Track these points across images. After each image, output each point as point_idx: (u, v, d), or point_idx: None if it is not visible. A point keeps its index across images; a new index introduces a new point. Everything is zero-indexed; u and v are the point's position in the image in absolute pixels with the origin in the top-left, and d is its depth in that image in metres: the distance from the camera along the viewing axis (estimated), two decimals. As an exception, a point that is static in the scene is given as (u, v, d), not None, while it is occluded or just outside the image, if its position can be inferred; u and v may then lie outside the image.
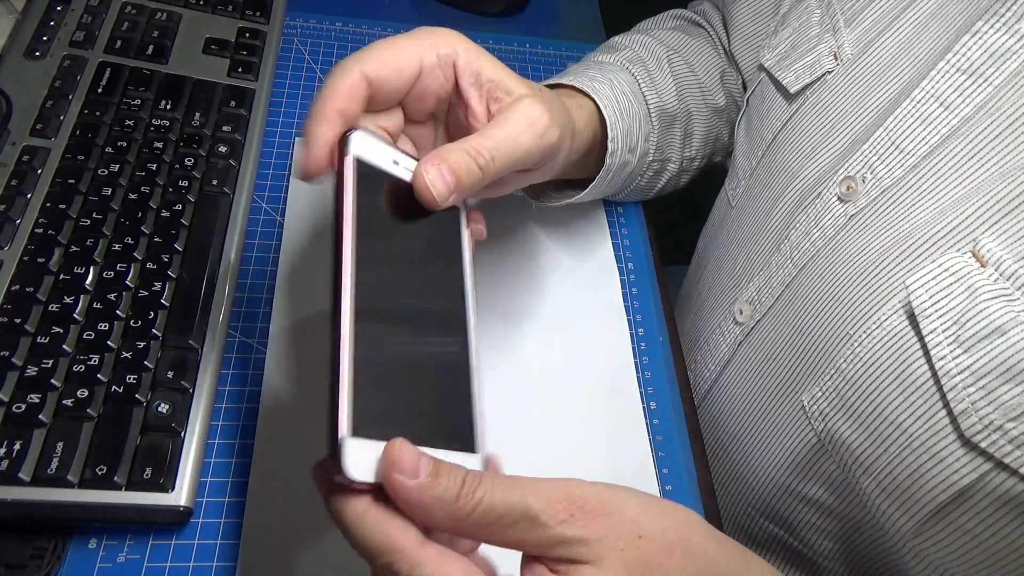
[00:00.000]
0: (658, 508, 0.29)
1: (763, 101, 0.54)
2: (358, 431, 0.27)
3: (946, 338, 0.36)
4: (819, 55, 0.49)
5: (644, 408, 0.50)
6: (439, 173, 0.33)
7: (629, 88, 0.52)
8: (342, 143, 0.32)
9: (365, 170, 0.32)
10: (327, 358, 0.28)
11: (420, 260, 0.34)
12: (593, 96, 0.48)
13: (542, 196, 0.53)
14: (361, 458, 0.27)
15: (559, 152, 0.40)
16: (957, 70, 0.39)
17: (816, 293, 0.44)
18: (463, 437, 0.31)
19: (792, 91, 0.50)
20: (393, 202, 0.33)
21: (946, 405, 0.36)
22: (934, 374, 0.36)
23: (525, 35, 0.70)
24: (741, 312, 0.50)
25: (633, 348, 0.52)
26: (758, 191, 0.52)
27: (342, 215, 0.30)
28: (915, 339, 0.37)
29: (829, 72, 0.48)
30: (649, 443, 0.48)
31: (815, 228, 0.45)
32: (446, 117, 0.40)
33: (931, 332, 0.36)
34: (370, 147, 0.33)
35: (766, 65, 0.53)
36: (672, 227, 0.71)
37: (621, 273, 0.56)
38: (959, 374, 0.35)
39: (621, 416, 0.49)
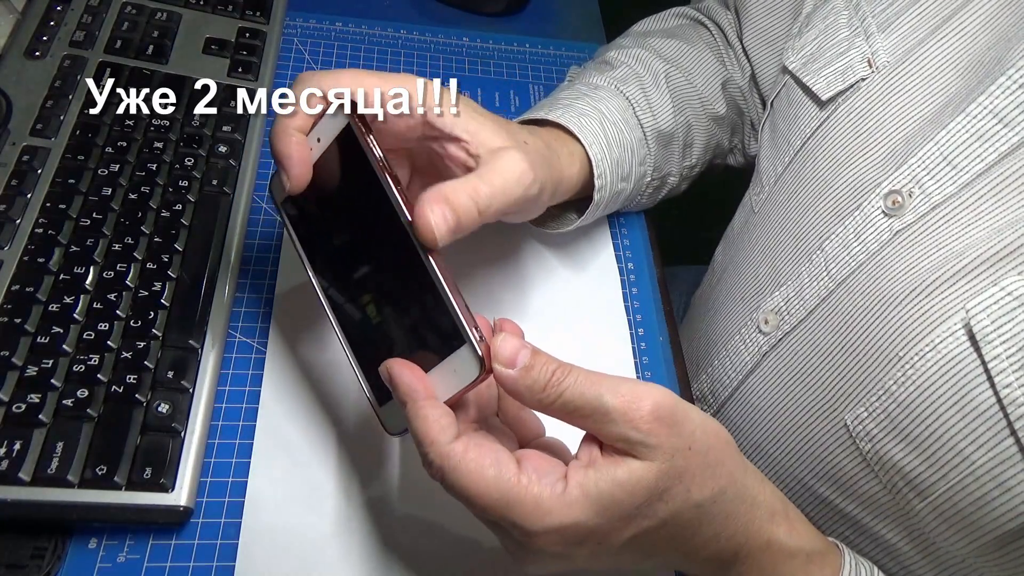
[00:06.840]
0: (713, 427, 0.34)
1: (789, 106, 0.52)
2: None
3: (1011, 364, 0.34)
4: (851, 60, 0.47)
5: (644, 408, 0.50)
6: (442, 215, 0.34)
7: (621, 115, 0.52)
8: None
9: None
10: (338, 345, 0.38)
11: (352, 213, 0.37)
12: (578, 136, 0.48)
13: (541, 222, 0.53)
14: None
15: (538, 205, 0.43)
16: (1020, 87, 0.38)
17: (859, 310, 0.42)
18: (451, 337, 0.33)
19: (823, 98, 0.48)
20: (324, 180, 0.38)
21: (1013, 433, 0.34)
22: (999, 401, 0.35)
23: (525, 35, 0.70)
24: (767, 322, 0.49)
25: (633, 348, 0.52)
26: (785, 198, 0.50)
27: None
28: (976, 364, 0.36)
29: (863, 79, 0.46)
30: (649, 443, 0.48)
31: (855, 241, 0.43)
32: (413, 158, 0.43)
33: (994, 358, 0.35)
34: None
35: (791, 68, 0.52)
36: (674, 227, 0.71)
37: (621, 273, 0.56)
38: None
39: (621, 416, 0.49)
